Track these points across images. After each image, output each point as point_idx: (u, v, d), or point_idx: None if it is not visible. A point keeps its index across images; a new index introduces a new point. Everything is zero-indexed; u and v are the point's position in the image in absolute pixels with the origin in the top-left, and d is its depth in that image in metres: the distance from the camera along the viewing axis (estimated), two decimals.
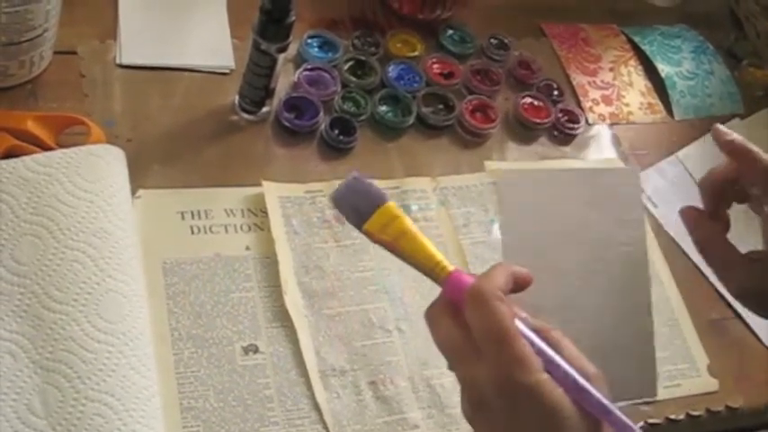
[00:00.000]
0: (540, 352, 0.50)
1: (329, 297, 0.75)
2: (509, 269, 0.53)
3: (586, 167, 0.92)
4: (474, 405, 0.52)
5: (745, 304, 0.61)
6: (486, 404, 0.50)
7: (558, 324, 0.53)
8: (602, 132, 1.00)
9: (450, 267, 0.54)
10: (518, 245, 0.70)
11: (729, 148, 0.63)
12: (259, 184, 0.80)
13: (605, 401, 0.50)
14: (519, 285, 0.54)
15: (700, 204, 0.94)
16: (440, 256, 0.54)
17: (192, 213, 0.77)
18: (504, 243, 0.71)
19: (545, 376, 0.49)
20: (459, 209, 0.85)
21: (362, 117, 0.88)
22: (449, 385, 0.74)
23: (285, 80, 0.88)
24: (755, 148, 0.60)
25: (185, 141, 0.82)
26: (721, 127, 0.66)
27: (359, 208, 0.54)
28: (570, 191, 0.74)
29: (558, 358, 0.51)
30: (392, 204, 0.54)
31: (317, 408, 0.70)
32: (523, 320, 0.51)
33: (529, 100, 0.97)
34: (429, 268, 0.54)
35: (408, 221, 0.54)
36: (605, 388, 0.51)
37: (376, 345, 0.74)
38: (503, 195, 0.74)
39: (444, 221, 0.84)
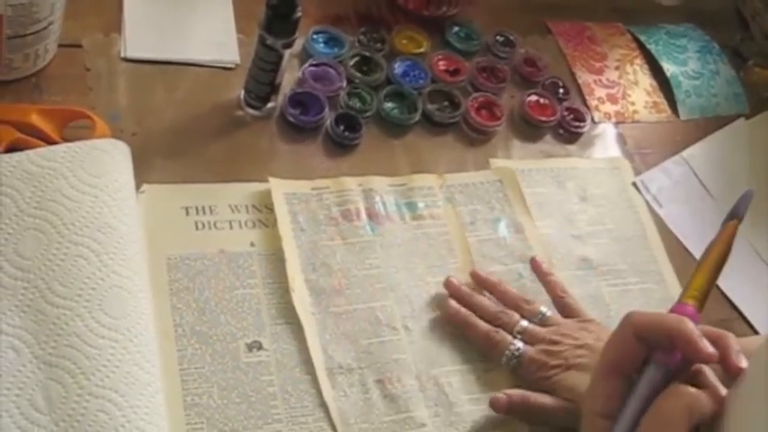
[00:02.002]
0: None
1: (336, 295, 0.75)
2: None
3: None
4: None
5: None
6: None
7: None
8: (608, 131, 0.99)
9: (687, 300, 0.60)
10: None
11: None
12: (264, 180, 0.79)
13: None
14: None
15: (702, 204, 0.95)
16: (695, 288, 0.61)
17: (197, 209, 0.77)
18: None
19: None
20: (466, 206, 0.85)
21: (368, 113, 0.88)
22: (456, 384, 0.74)
23: (290, 76, 0.87)
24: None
25: (190, 136, 0.82)
26: None
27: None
28: None
29: None
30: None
31: (320, 405, 0.70)
32: None
33: (534, 98, 0.96)
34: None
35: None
36: None
37: (383, 343, 0.74)
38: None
39: (451, 219, 0.83)
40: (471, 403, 0.73)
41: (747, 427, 0.55)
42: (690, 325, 0.57)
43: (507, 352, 0.74)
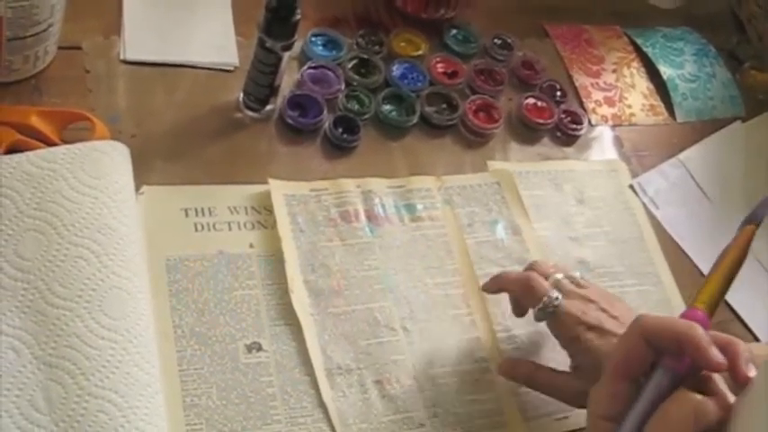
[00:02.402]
0: None
1: (335, 296, 0.75)
2: None
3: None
4: None
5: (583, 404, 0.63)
6: None
7: None
8: (605, 133, 1.00)
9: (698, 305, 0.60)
10: None
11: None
12: (262, 182, 0.80)
13: None
14: None
15: (699, 206, 0.95)
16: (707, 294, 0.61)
17: (196, 210, 0.77)
18: None
19: None
20: (464, 208, 0.85)
21: (366, 116, 0.88)
22: (454, 384, 0.74)
23: (289, 78, 0.88)
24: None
25: (189, 138, 0.82)
26: None
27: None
28: None
29: None
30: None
31: (319, 406, 0.70)
32: None
33: (532, 100, 0.97)
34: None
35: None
36: None
37: (381, 344, 0.74)
38: None
39: (449, 221, 0.84)
40: (469, 404, 0.73)
41: None
42: (699, 331, 0.56)
43: (546, 299, 0.71)
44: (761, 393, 0.55)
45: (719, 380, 0.58)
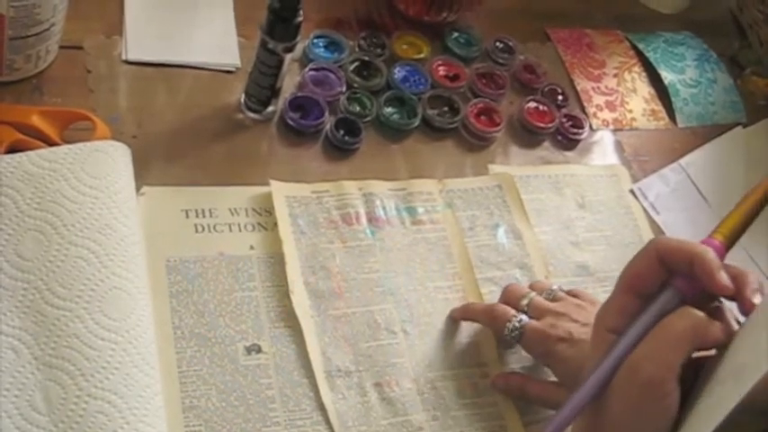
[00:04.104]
0: None
1: (335, 298, 0.75)
2: None
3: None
4: None
5: None
6: None
7: None
8: (606, 138, 1.00)
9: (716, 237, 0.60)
10: None
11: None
12: (263, 184, 0.80)
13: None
14: None
15: (700, 212, 0.95)
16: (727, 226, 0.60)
17: (197, 212, 0.77)
18: None
19: None
20: (465, 211, 0.85)
21: (368, 118, 0.88)
22: (453, 388, 0.74)
23: (291, 80, 0.88)
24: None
25: (190, 139, 0.82)
26: None
27: None
28: None
29: None
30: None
31: (319, 408, 0.70)
32: None
33: (533, 104, 0.97)
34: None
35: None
36: None
37: (381, 346, 0.74)
38: None
39: (451, 224, 0.83)
40: (468, 407, 0.73)
41: (743, 348, 0.55)
42: (712, 254, 0.56)
43: (509, 324, 0.74)
44: (759, 316, 0.55)
45: (728, 311, 0.58)
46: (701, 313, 0.56)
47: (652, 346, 0.56)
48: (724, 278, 0.56)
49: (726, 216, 0.62)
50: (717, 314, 0.57)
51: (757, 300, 0.57)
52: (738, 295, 0.57)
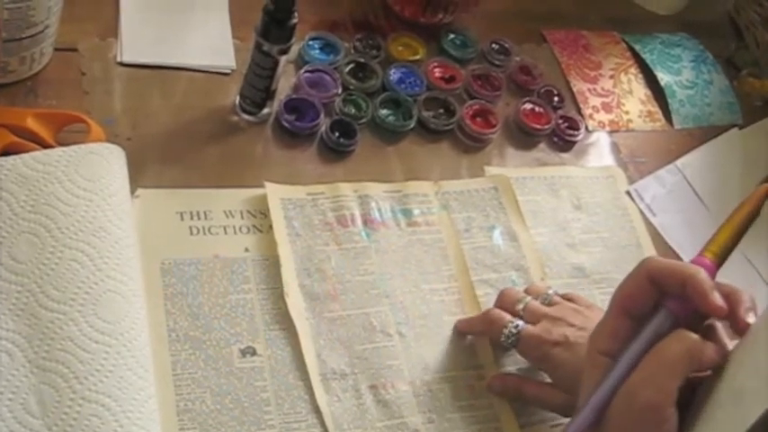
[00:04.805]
0: None
1: (330, 300, 0.75)
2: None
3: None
4: None
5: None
6: None
7: None
8: (602, 139, 0.99)
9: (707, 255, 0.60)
10: None
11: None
12: (258, 186, 0.79)
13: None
14: None
15: (696, 213, 0.95)
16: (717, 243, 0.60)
17: (192, 214, 0.76)
18: None
19: None
20: (461, 213, 0.85)
21: (363, 120, 0.88)
22: (449, 390, 0.74)
23: (286, 82, 0.87)
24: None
25: (185, 141, 0.82)
26: None
27: None
28: None
29: None
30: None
31: (314, 411, 0.69)
32: None
33: (529, 106, 0.97)
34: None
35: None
36: None
37: (377, 349, 0.74)
38: None
39: (446, 226, 0.83)
40: (464, 410, 0.73)
41: (741, 373, 0.54)
42: (704, 275, 0.56)
43: (505, 330, 0.73)
44: (758, 339, 0.55)
45: (721, 330, 0.58)
46: (695, 336, 0.56)
47: (648, 372, 0.55)
48: (717, 299, 0.56)
49: (716, 232, 0.61)
50: (710, 333, 0.57)
51: (751, 319, 0.57)
52: (732, 315, 0.57)
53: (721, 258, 0.60)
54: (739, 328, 0.57)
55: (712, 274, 0.58)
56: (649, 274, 0.58)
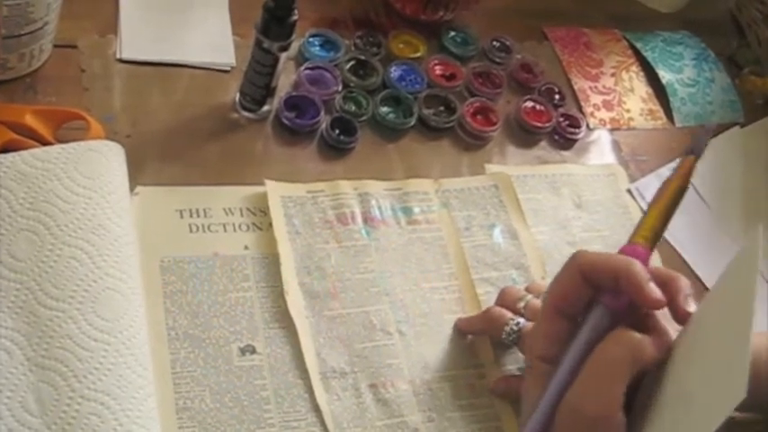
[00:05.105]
0: None
1: (330, 298, 0.75)
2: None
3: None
4: None
5: None
6: None
7: None
8: (603, 138, 0.99)
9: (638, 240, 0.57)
10: None
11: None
12: (258, 183, 0.79)
13: None
14: None
15: (697, 212, 0.95)
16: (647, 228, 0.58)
17: (191, 211, 0.76)
18: None
19: None
20: (461, 211, 0.84)
21: (363, 117, 0.88)
22: (449, 389, 0.73)
23: (286, 79, 0.87)
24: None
25: (185, 138, 0.82)
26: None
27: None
28: None
29: None
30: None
31: (313, 409, 0.69)
32: None
33: (530, 103, 0.96)
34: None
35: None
36: None
37: (377, 347, 0.74)
38: None
39: (446, 224, 0.83)
40: (464, 409, 0.73)
41: (691, 375, 0.52)
42: (638, 267, 0.54)
43: (507, 327, 0.72)
44: (708, 340, 0.53)
45: (660, 316, 0.56)
46: (635, 335, 0.53)
47: (591, 382, 0.53)
48: (654, 291, 0.53)
49: (644, 215, 0.59)
50: (650, 324, 0.55)
51: (691, 307, 0.55)
52: (672, 304, 0.54)
53: (653, 242, 0.57)
54: (680, 317, 0.54)
55: (645, 261, 0.55)
56: (581, 270, 0.55)
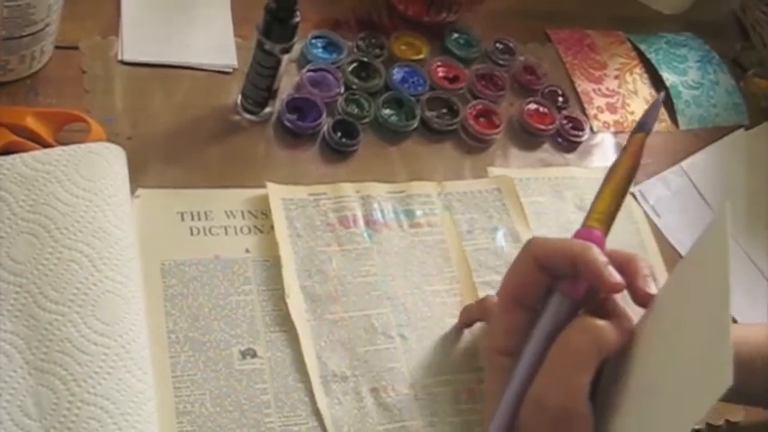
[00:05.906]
0: None
1: (332, 302, 0.74)
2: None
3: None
4: None
5: None
6: None
7: None
8: (606, 140, 0.99)
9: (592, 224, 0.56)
10: None
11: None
12: (260, 186, 0.79)
13: None
14: None
15: (701, 215, 0.94)
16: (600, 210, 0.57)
17: (192, 214, 0.76)
18: None
19: None
20: (464, 214, 0.84)
21: (366, 120, 0.87)
22: (450, 393, 0.73)
23: (288, 81, 0.87)
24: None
25: (186, 141, 0.81)
26: None
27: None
28: None
29: None
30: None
31: (314, 413, 0.69)
32: None
33: (534, 106, 0.96)
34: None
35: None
36: None
37: (378, 351, 0.73)
38: None
39: (449, 227, 0.83)
40: (465, 413, 0.72)
41: (655, 360, 0.51)
42: (594, 252, 0.52)
43: None
44: (667, 313, 0.51)
45: (619, 299, 0.54)
46: (598, 322, 0.52)
47: (555, 373, 0.52)
48: (612, 275, 0.52)
49: (596, 197, 0.57)
50: (609, 308, 0.53)
51: (652, 289, 0.53)
52: (631, 286, 0.53)
53: (608, 224, 0.56)
54: (640, 299, 0.53)
55: (602, 244, 0.54)
56: (536, 258, 0.54)
